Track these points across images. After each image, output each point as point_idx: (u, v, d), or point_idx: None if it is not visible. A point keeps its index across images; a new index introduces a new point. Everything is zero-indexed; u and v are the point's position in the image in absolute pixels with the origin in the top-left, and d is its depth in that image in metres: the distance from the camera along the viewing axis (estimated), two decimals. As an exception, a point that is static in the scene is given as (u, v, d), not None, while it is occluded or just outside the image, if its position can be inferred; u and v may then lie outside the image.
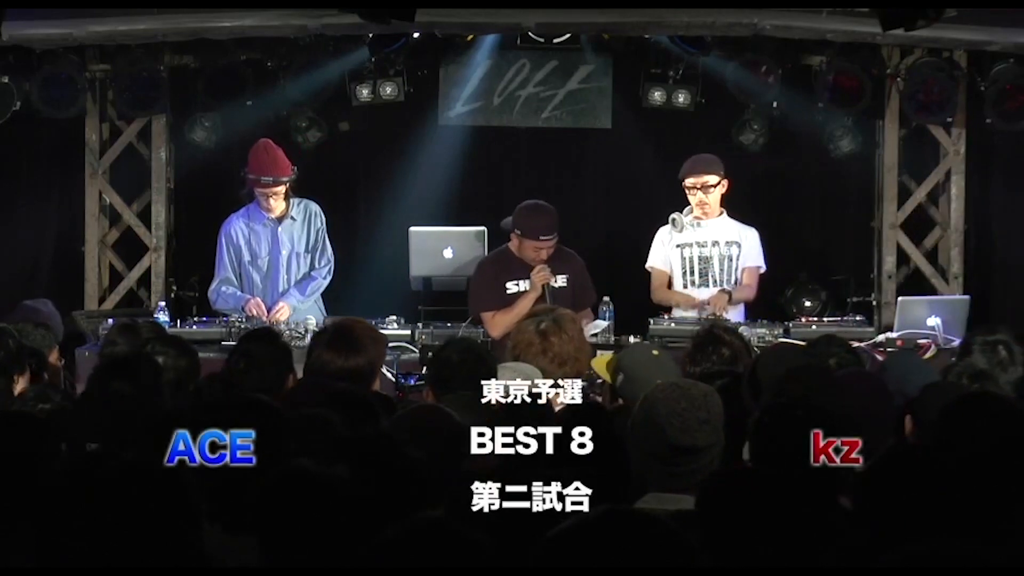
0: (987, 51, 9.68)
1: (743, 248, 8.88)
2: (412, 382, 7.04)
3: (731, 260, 8.88)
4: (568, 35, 10.01)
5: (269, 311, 8.84)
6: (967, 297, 9.04)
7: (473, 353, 5.72)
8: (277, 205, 9.01)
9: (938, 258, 10.24)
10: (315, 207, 9.15)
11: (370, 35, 9.52)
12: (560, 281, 8.42)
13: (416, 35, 9.67)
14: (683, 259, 8.92)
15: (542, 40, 10.07)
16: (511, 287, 8.37)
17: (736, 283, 8.87)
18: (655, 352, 5.88)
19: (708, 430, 4.39)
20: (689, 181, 8.91)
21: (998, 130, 9.91)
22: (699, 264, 8.90)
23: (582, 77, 10.22)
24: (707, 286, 8.87)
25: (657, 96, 9.96)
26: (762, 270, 8.94)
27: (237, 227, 9.09)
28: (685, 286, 8.91)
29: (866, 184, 10.31)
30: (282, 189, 8.98)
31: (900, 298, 8.95)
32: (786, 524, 3.46)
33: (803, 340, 7.30)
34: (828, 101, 9.74)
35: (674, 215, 8.95)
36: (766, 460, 4.33)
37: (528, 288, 8.35)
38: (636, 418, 4.44)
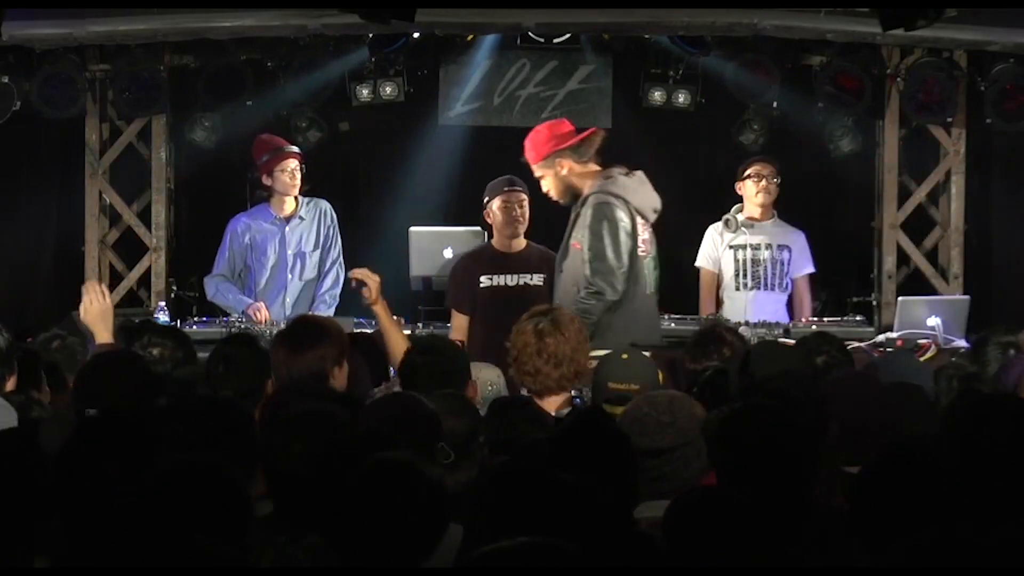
0: (987, 51, 9.67)
1: (794, 253, 9.09)
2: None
3: (783, 264, 9.09)
4: (568, 35, 10.00)
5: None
6: (967, 297, 9.05)
7: (439, 354, 5.66)
8: (294, 185, 9.00)
9: (938, 258, 10.23)
10: (325, 205, 9.18)
11: (370, 35, 9.51)
12: (536, 280, 8.38)
13: (416, 35, 9.66)
14: (736, 260, 9.03)
15: (542, 40, 10.05)
16: (484, 281, 8.33)
17: (788, 287, 9.10)
18: (619, 354, 5.83)
19: (672, 432, 4.42)
20: (752, 170, 9.06)
21: (998, 130, 9.90)
22: (751, 267, 8.97)
23: (582, 77, 10.20)
24: (758, 288, 8.99)
25: (657, 96, 9.95)
26: (812, 271, 9.24)
27: (243, 225, 9.11)
28: (737, 288, 9.01)
29: (866, 184, 10.30)
30: (297, 166, 8.98)
31: (900, 298, 8.96)
32: (753, 544, 3.39)
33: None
34: (828, 101, 9.74)
35: (728, 215, 9.03)
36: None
37: (506, 284, 8.30)
38: None
